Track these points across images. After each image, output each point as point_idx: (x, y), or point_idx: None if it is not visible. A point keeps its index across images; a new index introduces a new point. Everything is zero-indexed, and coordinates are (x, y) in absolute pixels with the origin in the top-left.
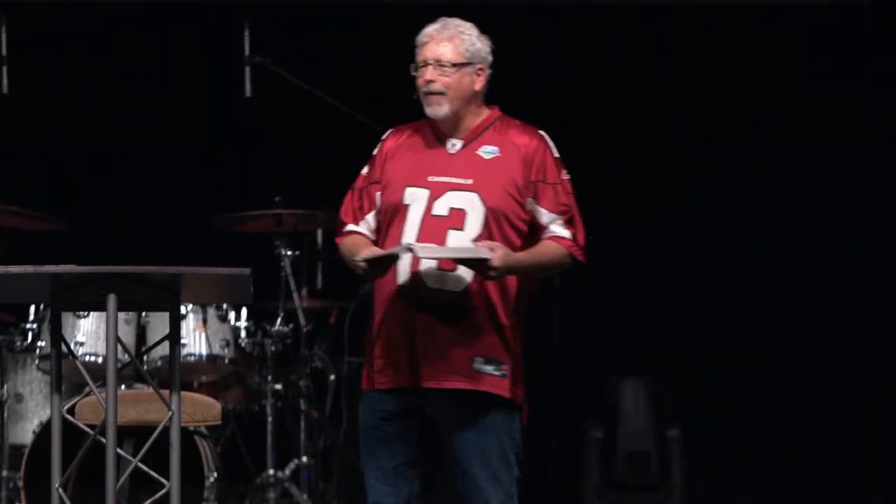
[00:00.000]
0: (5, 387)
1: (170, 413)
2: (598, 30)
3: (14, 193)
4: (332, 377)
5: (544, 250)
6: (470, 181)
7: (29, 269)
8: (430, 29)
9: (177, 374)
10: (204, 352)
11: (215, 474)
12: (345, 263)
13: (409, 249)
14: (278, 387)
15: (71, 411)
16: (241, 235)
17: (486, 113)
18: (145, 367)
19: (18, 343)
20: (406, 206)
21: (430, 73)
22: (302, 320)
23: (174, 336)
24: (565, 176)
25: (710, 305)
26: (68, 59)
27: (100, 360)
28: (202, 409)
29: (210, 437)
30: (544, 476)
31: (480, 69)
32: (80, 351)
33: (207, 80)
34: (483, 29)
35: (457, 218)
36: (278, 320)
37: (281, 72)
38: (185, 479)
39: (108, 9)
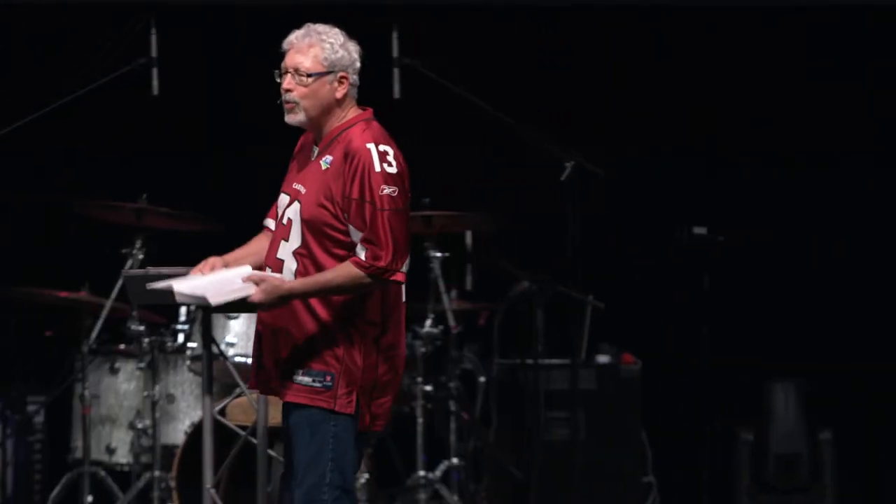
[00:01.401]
0: (157, 388)
1: None
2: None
3: (165, 194)
4: (482, 379)
5: (334, 274)
6: (304, 190)
7: (180, 270)
8: (292, 36)
9: None
10: None
11: (366, 475)
12: (494, 265)
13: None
14: (428, 388)
15: (222, 412)
16: None
17: (347, 119)
18: None
19: (170, 344)
20: (276, 211)
21: (287, 81)
22: (451, 322)
23: None
24: (385, 191)
25: (861, 308)
26: (218, 60)
27: (250, 361)
28: None
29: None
30: (696, 479)
31: (343, 77)
32: (231, 352)
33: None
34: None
35: (288, 228)
36: (428, 322)
37: (429, 73)
38: None
39: (256, 10)
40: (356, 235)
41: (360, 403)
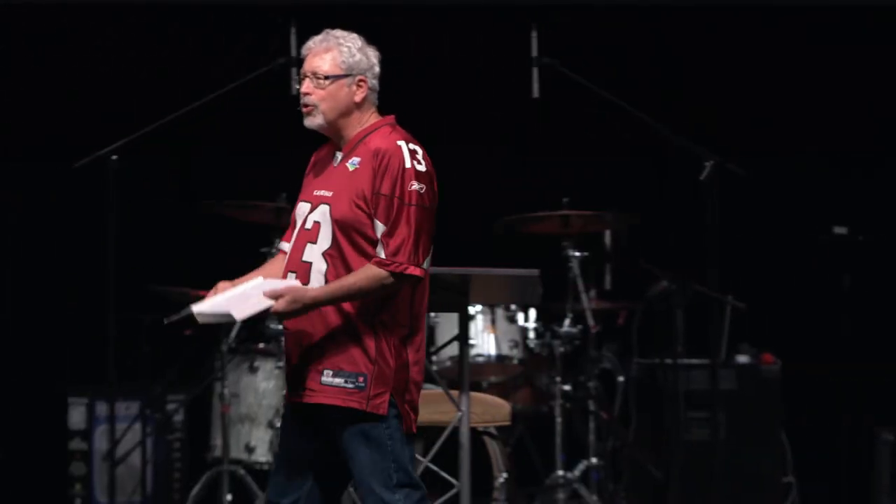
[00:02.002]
0: None
1: (459, 413)
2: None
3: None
4: (621, 378)
5: (356, 278)
6: (330, 193)
7: None
8: (311, 41)
9: (466, 374)
10: (493, 353)
11: (505, 475)
12: (633, 266)
13: (190, 314)
14: (567, 388)
15: None
16: (529, 237)
17: (370, 123)
18: (434, 368)
19: None
20: (296, 221)
21: (305, 85)
22: (590, 321)
23: (463, 337)
24: (413, 187)
25: None
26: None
27: None
28: (491, 409)
29: (499, 437)
30: (836, 479)
31: (361, 80)
32: None
33: (496, 81)
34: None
35: (314, 231)
36: (567, 321)
37: (569, 73)
38: (475, 480)
39: (389, 10)
40: (379, 231)
41: (398, 404)
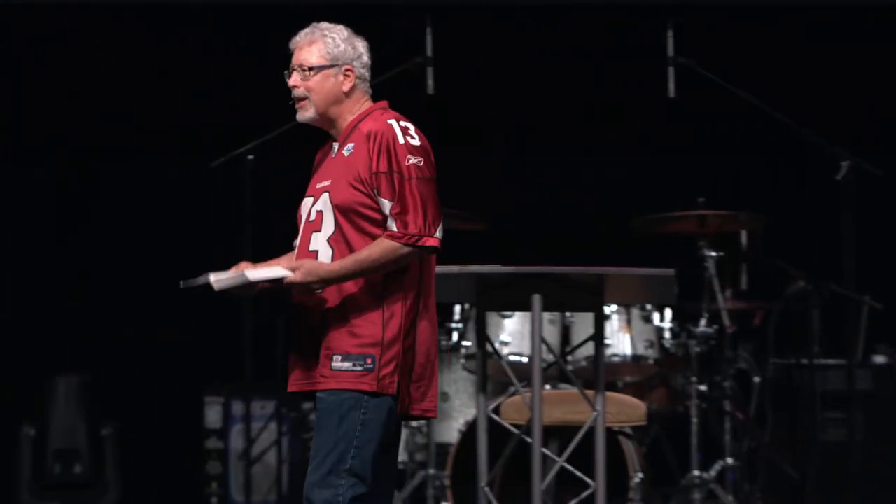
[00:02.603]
0: None
1: (595, 413)
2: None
3: (441, 193)
4: (757, 379)
5: (370, 251)
6: (329, 182)
7: (454, 269)
8: (298, 35)
9: (601, 374)
10: (628, 352)
11: (640, 475)
12: (769, 265)
13: (207, 282)
14: (703, 388)
15: (496, 411)
16: (664, 236)
17: (362, 110)
18: (570, 368)
19: (444, 343)
20: (301, 216)
21: (293, 78)
22: (726, 321)
23: (598, 337)
24: (411, 161)
25: None
26: (492, 60)
27: (524, 360)
28: (627, 409)
29: (635, 437)
30: None
31: (348, 70)
32: (505, 351)
33: (631, 80)
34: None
35: (318, 220)
36: (702, 321)
37: (706, 73)
38: (610, 480)
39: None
40: (386, 208)
41: (401, 385)
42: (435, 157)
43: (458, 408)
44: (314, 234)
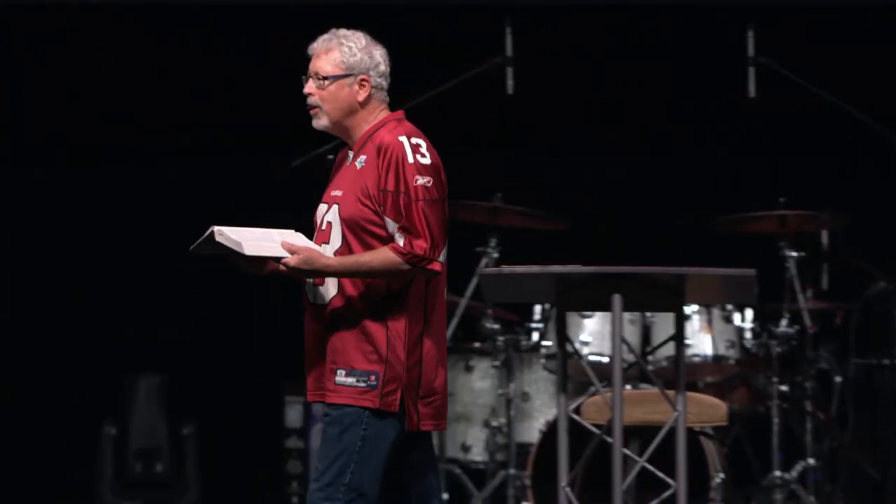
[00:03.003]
0: (512, 386)
1: (675, 413)
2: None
3: (520, 193)
4: (838, 378)
5: (372, 256)
6: (340, 193)
7: (534, 268)
8: (316, 42)
9: (682, 374)
10: (709, 353)
11: (721, 475)
12: (850, 265)
13: (213, 232)
14: (784, 388)
15: (577, 410)
16: (745, 237)
17: (377, 120)
18: (650, 368)
19: (524, 342)
20: (315, 221)
21: (308, 86)
22: (807, 321)
23: (679, 337)
24: (419, 182)
25: None
26: (570, 60)
27: (605, 359)
28: (708, 409)
29: (715, 437)
30: None
31: (363, 80)
32: (585, 351)
33: (712, 80)
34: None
35: (328, 231)
36: (783, 321)
37: (786, 73)
38: (691, 480)
39: (618, 11)
40: (392, 227)
41: (407, 402)
42: (515, 157)
43: (539, 408)
44: (323, 246)
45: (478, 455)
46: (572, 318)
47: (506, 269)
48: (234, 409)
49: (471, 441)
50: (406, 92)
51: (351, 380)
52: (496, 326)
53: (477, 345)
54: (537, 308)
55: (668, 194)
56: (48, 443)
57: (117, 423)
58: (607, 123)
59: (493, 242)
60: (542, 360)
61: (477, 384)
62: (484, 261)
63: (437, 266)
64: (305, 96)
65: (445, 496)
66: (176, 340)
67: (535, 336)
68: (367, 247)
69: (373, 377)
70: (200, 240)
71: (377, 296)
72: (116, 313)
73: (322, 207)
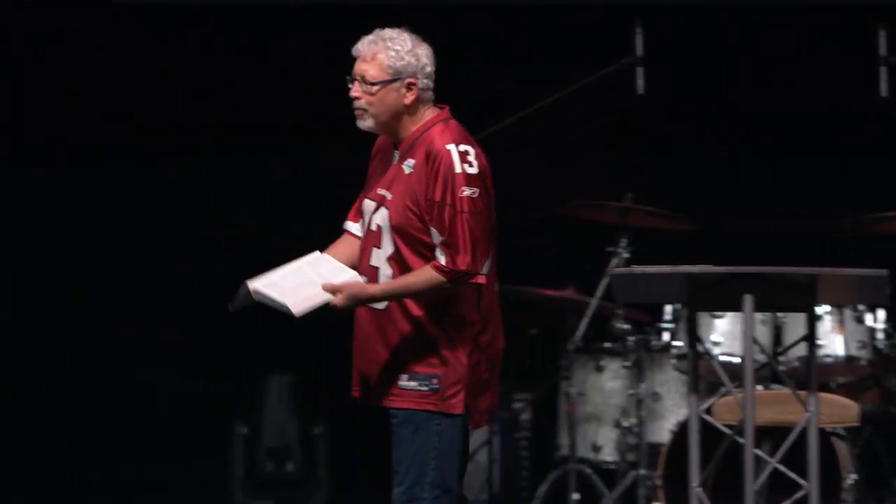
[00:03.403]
0: (643, 386)
1: (807, 414)
2: None
3: (651, 193)
4: None
5: (416, 278)
6: (390, 196)
7: (665, 269)
8: (360, 43)
9: (814, 375)
10: (841, 353)
11: (853, 477)
12: None
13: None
14: None
15: (708, 411)
16: (878, 236)
17: (424, 122)
18: (782, 368)
19: (655, 342)
20: (363, 217)
21: (354, 89)
22: None
23: (811, 337)
24: (465, 193)
25: None
26: (701, 59)
27: (736, 360)
28: (839, 410)
29: (847, 438)
30: None
31: (411, 83)
32: (717, 351)
33: (842, 80)
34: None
35: (378, 235)
36: None
37: None
38: (823, 481)
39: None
40: (436, 238)
41: (469, 401)
42: (646, 158)
43: (670, 408)
44: (374, 250)
45: (608, 455)
46: (703, 318)
47: (636, 269)
48: (364, 408)
49: (601, 441)
50: (536, 92)
51: (413, 384)
52: (627, 327)
53: (608, 345)
54: (668, 308)
55: (798, 194)
56: (180, 443)
57: (249, 422)
58: (737, 123)
59: (623, 243)
60: (673, 361)
61: (608, 384)
62: (614, 261)
63: (480, 279)
64: (352, 99)
65: (576, 496)
66: (307, 340)
67: (666, 336)
68: (418, 253)
69: (434, 380)
70: (239, 296)
71: (436, 298)
72: (249, 314)
73: (369, 204)
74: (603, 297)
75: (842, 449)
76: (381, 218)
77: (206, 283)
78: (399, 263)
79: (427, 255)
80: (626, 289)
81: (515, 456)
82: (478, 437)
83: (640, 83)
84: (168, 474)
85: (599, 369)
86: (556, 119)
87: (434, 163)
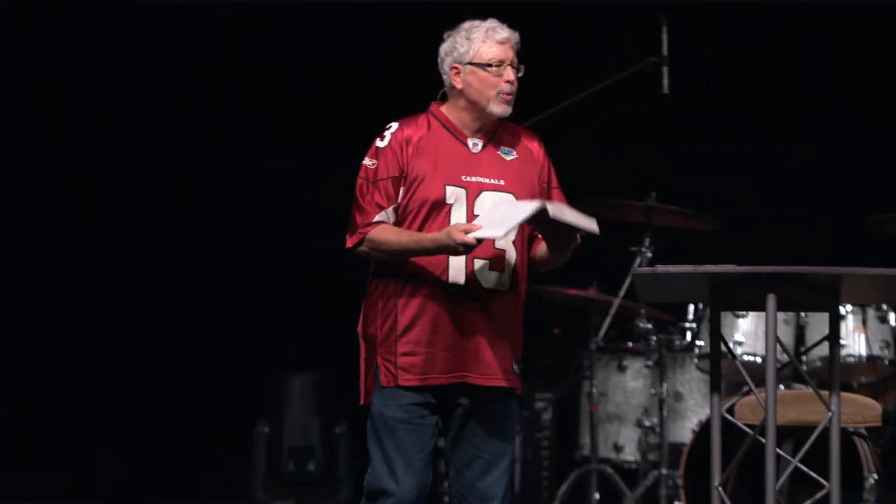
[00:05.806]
0: (665, 386)
1: (829, 414)
2: None
3: (675, 192)
4: None
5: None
6: (502, 182)
7: (688, 268)
8: (506, 31)
9: (836, 374)
10: (864, 353)
11: (875, 476)
12: None
13: (542, 210)
14: None
15: (730, 410)
16: None
17: None
18: (804, 368)
19: (677, 342)
20: (449, 206)
21: (511, 73)
22: None
23: (834, 337)
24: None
25: None
26: (726, 57)
27: (758, 359)
28: (862, 410)
29: (869, 438)
30: None
31: None
32: (739, 350)
33: (866, 79)
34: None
35: None
36: None
37: None
38: (845, 481)
39: (775, 9)
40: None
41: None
42: (669, 157)
43: (692, 407)
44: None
45: (630, 455)
46: (726, 317)
47: (659, 268)
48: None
49: (623, 441)
50: (562, 91)
51: (517, 367)
52: (649, 326)
53: (630, 344)
54: (691, 308)
55: (822, 193)
56: (202, 441)
57: (271, 421)
58: (760, 122)
59: (646, 242)
60: (696, 360)
61: (630, 384)
62: (638, 260)
63: None
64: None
65: (597, 496)
66: (330, 339)
67: (689, 336)
68: (523, 238)
69: (519, 366)
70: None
71: (523, 289)
72: (271, 312)
73: (456, 191)
74: (626, 297)
75: (864, 449)
76: (501, 202)
77: (231, 284)
78: (521, 246)
79: (524, 240)
80: (649, 288)
81: (537, 455)
82: None
83: (666, 82)
84: (191, 472)
85: (622, 369)
86: (581, 117)
87: (541, 151)
